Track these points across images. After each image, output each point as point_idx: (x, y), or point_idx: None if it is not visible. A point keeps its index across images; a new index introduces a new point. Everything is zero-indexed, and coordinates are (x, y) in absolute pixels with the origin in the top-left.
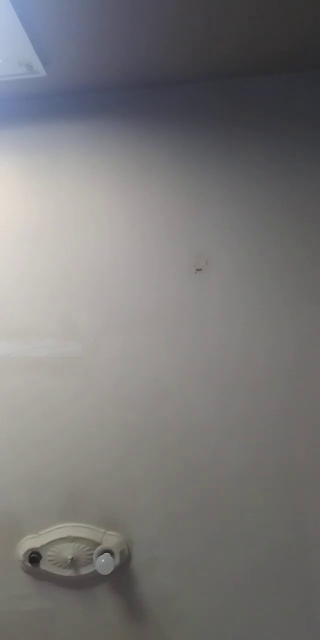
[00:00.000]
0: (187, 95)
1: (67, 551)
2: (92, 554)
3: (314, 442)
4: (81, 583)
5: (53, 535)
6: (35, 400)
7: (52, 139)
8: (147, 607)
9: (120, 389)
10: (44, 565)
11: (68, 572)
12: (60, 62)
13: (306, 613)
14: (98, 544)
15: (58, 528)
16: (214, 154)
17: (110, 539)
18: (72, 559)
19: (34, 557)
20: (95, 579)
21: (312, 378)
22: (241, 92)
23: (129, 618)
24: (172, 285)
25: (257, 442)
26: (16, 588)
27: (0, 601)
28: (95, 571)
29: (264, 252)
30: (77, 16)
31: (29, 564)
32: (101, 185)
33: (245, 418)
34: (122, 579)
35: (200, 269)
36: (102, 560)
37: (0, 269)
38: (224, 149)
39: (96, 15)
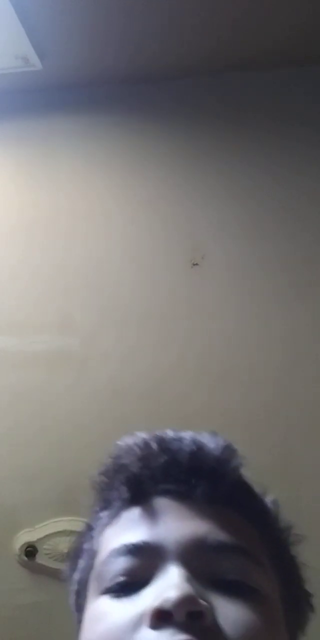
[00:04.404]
0: (184, 89)
1: (64, 545)
2: None
3: (308, 434)
4: None
5: (49, 529)
6: (31, 394)
7: (47, 132)
8: None
9: (116, 383)
10: (40, 559)
11: (64, 566)
12: (56, 56)
13: None
14: None
15: (54, 522)
16: (210, 149)
17: None
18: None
19: (30, 551)
20: None
21: (304, 371)
22: (238, 87)
23: None
24: (168, 280)
25: (251, 436)
26: (12, 582)
27: None
28: None
29: (258, 248)
30: (74, 10)
31: (25, 558)
32: (97, 179)
33: (240, 411)
34: None
35: (196, 264)
36: None
37: None
38: (220, 144)
39: (92, 9)
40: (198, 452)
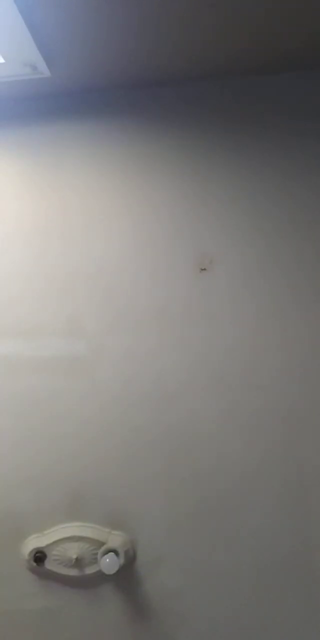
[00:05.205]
0: (193, 93)
1: (72, 550)
2: (97, 554)
3: None
4: (86, 582)
5: (58, 535)
6: (42, 400)
7: (57, 139)
8: (152, 607)
9: (127, 390)
10: (49, 565)
11: (73, 572)
12: (64, 63)
13: (310, 615)
14: (103, 544)
15: (63, 527)
16: (219, 152)
17: (115, 539)
18: (77, 558)
19: (39, 557)
20: (100, 578)
21: None
22: (248, 90)
23: (133, 617)
24: (177, 285)
25: (265, 445)
26: (21, 587)
27: (5, 600)
28: (100, 571)
29: (269, 250)
30: (82, 16)
31: (34, 564)
32: (106, 185)
33: (253, 420)
34: (127, 578)
35: (204, 269)
36: (107, 560)
37: (8, 268)
38: (229, 147)
39: (101, 15)
40: None
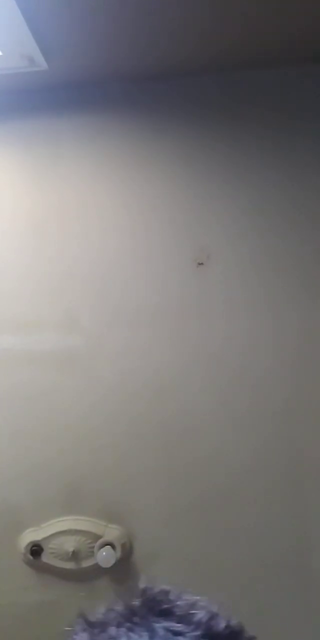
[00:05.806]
0: (191, 87)
1: (69, 544)
2: (93, 547)
3: (318, 436)
4: (82, 576)
5: (55, 528)
6: (39, 394)
7: (54, 132)
8: None
9: (123, 384)
10: (46, 558)
11: (69, 565)
12: (62, 55)
13: (308, 609)
14: (99, 537)
15: (60, 521)
16: (217, 147)
17: (112, 532)
18: (73, 551)
19: (36, 550)
20: (97, 571)
21: (316, 372)
22: (245, 85)
23: None
24: (174, 280)
25: (260, 437)
26: (18, 581)
27: (1, 594)
28: (96, 564)
29: (265, 246)
30: (79, 9)
31: (31, 557)
32: (104, 179)
33: (249, 413)
34: (123, 572)
35: (202, 263)
36: (104, 553)
37: (5, 262)
38: (227, 143)
39: (98, 8)
40: None
